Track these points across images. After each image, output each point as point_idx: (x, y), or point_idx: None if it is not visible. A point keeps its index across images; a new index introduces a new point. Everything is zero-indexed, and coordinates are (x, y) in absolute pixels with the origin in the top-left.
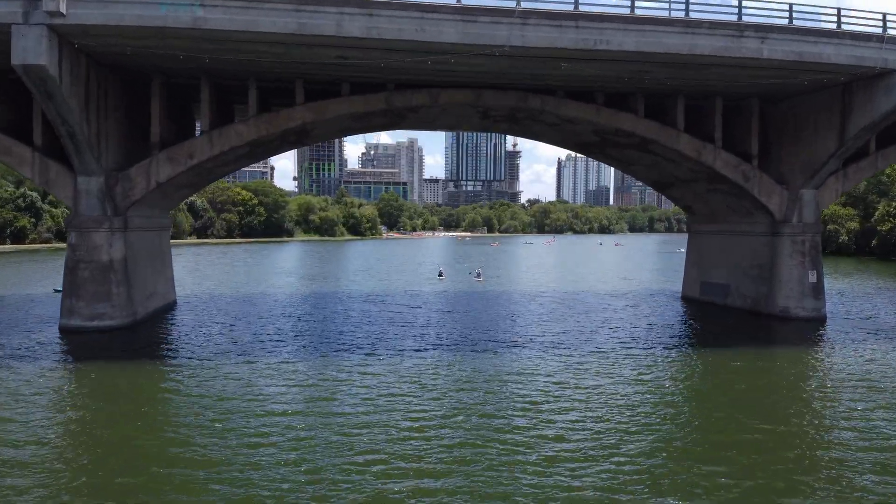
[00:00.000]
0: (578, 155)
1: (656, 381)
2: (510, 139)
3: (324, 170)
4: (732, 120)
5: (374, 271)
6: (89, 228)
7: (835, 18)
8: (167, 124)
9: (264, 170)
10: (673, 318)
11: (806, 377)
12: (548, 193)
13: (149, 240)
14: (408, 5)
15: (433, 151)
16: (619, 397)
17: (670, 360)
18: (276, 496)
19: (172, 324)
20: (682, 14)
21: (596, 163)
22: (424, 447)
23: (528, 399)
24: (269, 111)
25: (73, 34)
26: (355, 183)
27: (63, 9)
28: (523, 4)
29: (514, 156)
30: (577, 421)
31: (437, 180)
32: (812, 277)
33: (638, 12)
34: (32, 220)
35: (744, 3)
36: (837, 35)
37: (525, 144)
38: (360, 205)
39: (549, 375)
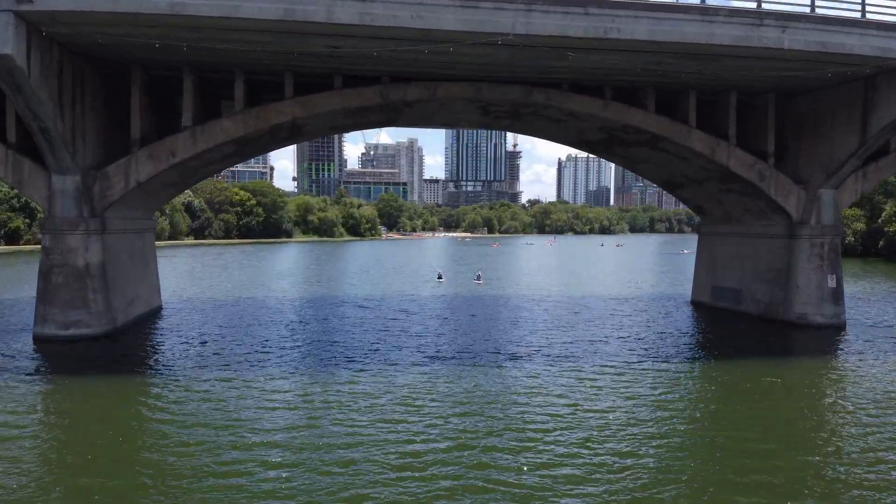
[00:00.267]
0: (579, 155)
1: (677, 404)
2: (510, 139)
3: (323, 170)
4: (747, 116)
5: (372, 273)
6: (64, 231)
7: (859, 6)
8: (150, 120)
9: (264, 170)
10: (685, 325)
11: (835, 394)
12: (548, 194)
13: (130, 242)
14: None
15: (433, 152)
16: (639, 424)
17: (688, 376)
18: None
19: (154, 332)
20: (698, 0)
21: (596, 163)
22: (419, 491)
23: (538, 427)
24: (258, 106)
25: (41, 21)
26: (355, 183)
27: None
28: None
29: (514, 156)
30: (596, 457)
31: (437, 180)
32: (831, 282)
33: None
34: (27, 220)
35: None
36: (862, 24)
37: (525, 145)
38: (360, 205)
39: (560, 396)
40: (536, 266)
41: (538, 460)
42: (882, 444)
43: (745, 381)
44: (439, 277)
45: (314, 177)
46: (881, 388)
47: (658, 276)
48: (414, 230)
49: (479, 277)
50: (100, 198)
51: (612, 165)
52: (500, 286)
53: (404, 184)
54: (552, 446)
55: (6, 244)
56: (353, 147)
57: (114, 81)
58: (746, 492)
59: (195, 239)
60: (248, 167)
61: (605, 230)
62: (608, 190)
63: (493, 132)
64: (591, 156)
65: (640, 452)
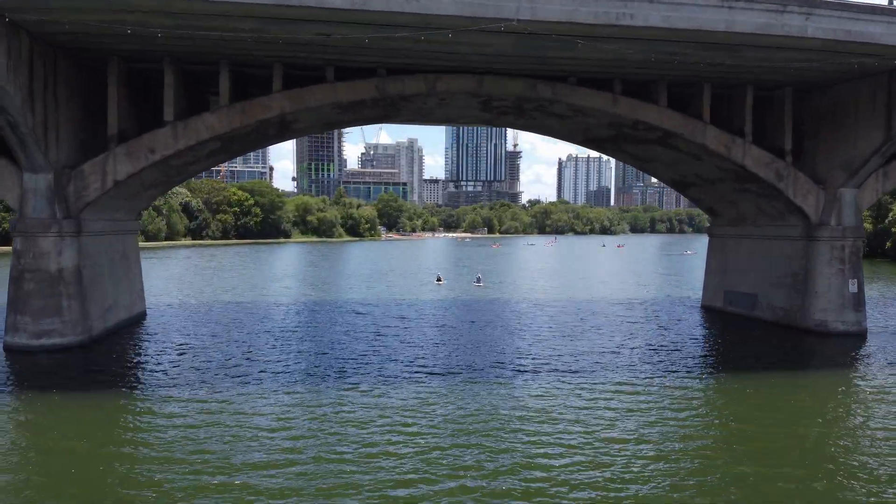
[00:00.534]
0: (579, 155)
1: (701, 430)
2: (510, 139)
3: (323, 170)
4: (762, 112)
5: (369, 276)
6: (35, 233)
7: None
8: (130, 115)
9: (263, 170)
10: (698, 333)
11: (865, 412)
12: (548, 194)
13: (110, 245)
14: None
15: (433, 152)
16: (663, 458)
17: (708, 393)
18: None
19: (133, 341)
20: None
21: (597, 163)
22: None
23: (550, 462)
24: (244, 100)
25: (6, 7)
26: (354, 183)
27: None
28: None
29: (514, 156)
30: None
31: (437, 181)
32: (852, 287)
33: None
34: None
35: None
36: (889, 12)
37: (525, 145)
38: (359, 205)
39: (573, 422)
40: (538, 267)
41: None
42: None
43: (769, 398)
44: (438, 280)
45: (314, 177)
46: None
47: (664, 278)
48: (414, 230)
49: (478, 280)
50: (75, 198)
51: (613, 165)
52: (501, 289)
53: (404, 184)
54: (566, 490)
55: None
56: (353, 147)
57: (93, 75)
58: None
59: (193, 239)
60: (248, 167)
61: (605, 230)
62: (608, 190)
63: (494, 132)
64: (591, 156)
65: (667, 492)
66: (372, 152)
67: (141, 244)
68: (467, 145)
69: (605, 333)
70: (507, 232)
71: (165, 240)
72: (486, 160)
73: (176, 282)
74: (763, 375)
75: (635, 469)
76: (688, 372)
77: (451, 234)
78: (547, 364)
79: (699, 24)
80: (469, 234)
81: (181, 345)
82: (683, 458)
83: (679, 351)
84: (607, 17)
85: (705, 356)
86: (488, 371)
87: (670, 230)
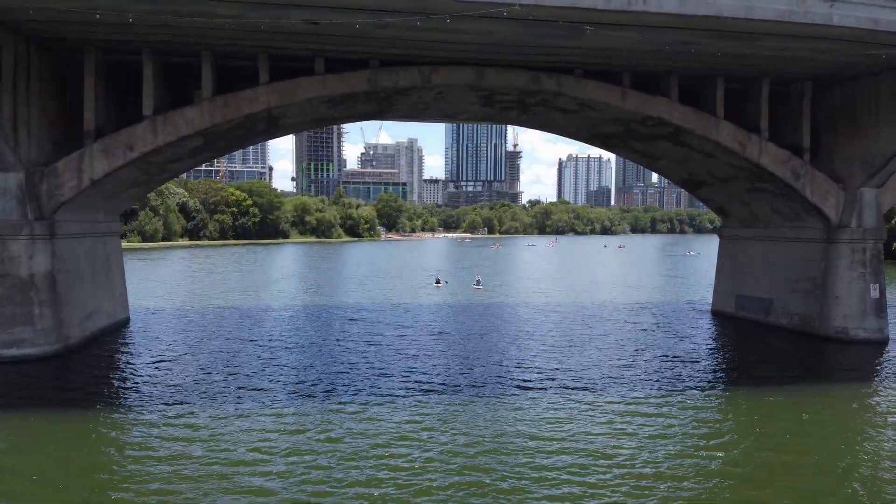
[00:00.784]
0: (580, 155)
1: (725, 454)
2: (510, 139)
3: (322, 170)
4: (778, 108)
5: (366, 278)
6: (5, 236)
7: None
8: (108, 110)
9: (262, 170)
10: (711, 341)
11: None
12: (548, 194)
13: (89, 248)
14: None
15: (433, 152)
16: (690, 499)
17: (728, 410)
18: None
19: (113, 352)
20: None
21: (597, 163)
22: None
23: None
24: (227, 93)
25: None
26: (354, 183)
27: None
28: None
29: (514, 156)
30: None
31: (436, 181)
32: (874, 292)
33: None
34: None
35: None
36: None
37: (525, 145)
38: (358, 206)
39: (587, 453)
40: (539, 269)
41: None
42: None
43: (793, 413)
44: (437, 282)
45: (313, 177)
46: None
47: (669, 280)
48: (413, 231)
49: (478, 283)
50: (48, 198)
51: (613, 165)
52: (502, 292)
53: (404, 184)
54: None
55: None
56: (353, 147)
57: (70, 69)
58: None
59: (190, 240)
60: (247, 167)
61: (606, 230)
62: (609, 190)
63: (494, 132)
64: (591, 156)
65: None
66: (372, 152)
67: (137, 245)
68: (467, 145)
69: (613, 342)
70: (507, 232)
71: (162, 240)
72: (487, 160)
73: (165, 285)
74: (785, 389)
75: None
76: (705, 386)
77: (450, 235)
78: (554, 379)
79: (717, 11)
80: (469, 235)
81: (161, 356)
82: (708, 486)
83: (695, 362)
84: (619, 3)
85: (722, 367)
86: (490, 388)
87: (671, 230)
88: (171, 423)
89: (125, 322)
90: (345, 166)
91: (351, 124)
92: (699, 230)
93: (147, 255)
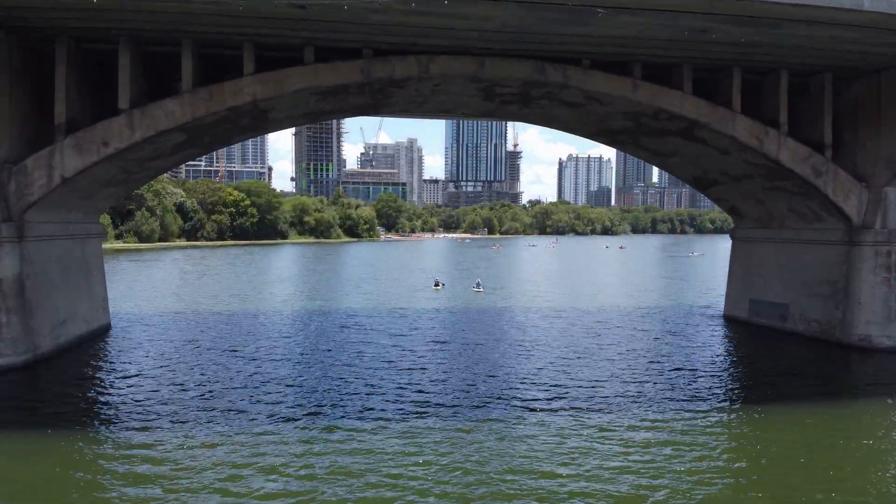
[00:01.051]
0: (580, 155)
1: (757, 482)
2: (510, 138)
3: (322, 170)
4: (796, 102)
5: (363, 280)
6: None
7: None
8: (83, 104)
9: (262, 170)
10: (727, 351)
11: None
12: (549, 194)
13: (64, 251)
14: None
15: (433, 152)
16: None
17: (753, 431)
18: None
19: (88, 362)
20: None
21: (597, 163)
22: None
23: None
24: (210, 85)
25: None
26: (354, 183)
27: None
28: None
29: (514, 156)
30: None
31: (436, 181)
32: None
33: None
34: None
35: None
36: None
37: (525, 145)
38: (358, 206)
39: (605, 488)
40: (541, 270)
41: None
42: None
43: (820, 434)
44: (436, 285)
45: (312, 177)
46: None
47: (676, 283)
48: (413, 231)
49: (478, 285)
50: (16, 197)
51: (613, 165)
52: (503, 296)
53: (403, 184)
54: None
55: None
56: (353, 147)
57: (46, 59)
58: None
59: (187, 240)
60: (247, 167)
61: (606, 231)
62: (609, 190)
63: (494, 132)
64: (591, 156)
65: None
66: (371, 152)
67: (133, 245)
68: (467, 145)
69: (624, 353)
70: (507, 232)
71: (159, 241)
72: (487, 160)
73: (154, 288)
74: (809, 404)
75: None
76: (726, 405)
77: (450, 235)
78: (563, 398)
79: None
80: (469, 235)
81: (138, 368)
82: None
83: (712, 376)
84: None
85: (742, 381)
86: (493, 409)
87: (672, 231)
88: (139, 444)
89: (105, 329)
90: (344, 166)
91: (351, 125)
92: (700, 230)
93: (141, 257)
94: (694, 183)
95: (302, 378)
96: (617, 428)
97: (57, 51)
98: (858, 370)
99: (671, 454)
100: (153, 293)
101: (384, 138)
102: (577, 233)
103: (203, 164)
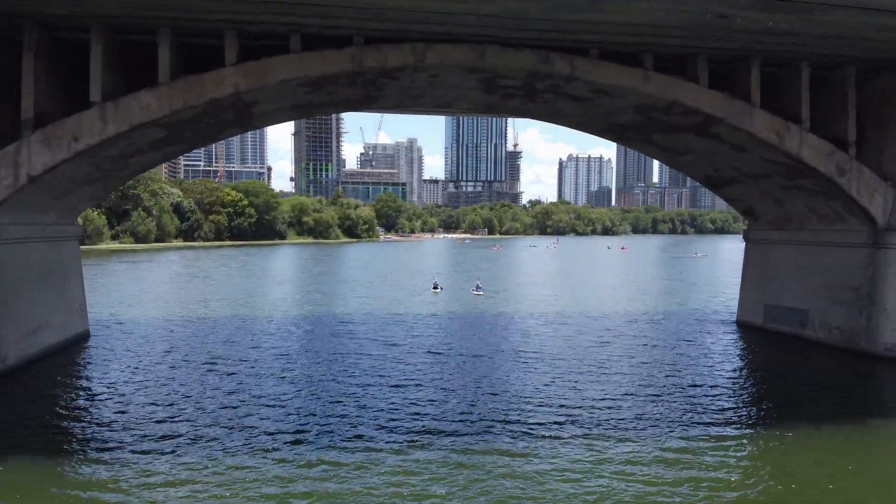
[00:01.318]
0: (580, 155)
1: None
2: (510, 138)
3: (321, 170)
4: (817, 96)
5: (360, 283)
6: None
7: None
8: (54, 97)
9: (261, 170)
10: (747, 362)
11: None
12: (549, 194)
13: (37, 255)
14: None
15: (433, 152)
16: None
17: (782, 455)
18: None
19: (58, 375)
20: None
21: (597, 163)
22: None
23: None
24: (190, 76)
25: None
26: (353, 183)
27: None
28: None
29: (514, 156)
30: None
31: (436, 181)
32: None
33: None
34: None
35: None
36: None
37: (525, 145)
38: (357, 206)
39: None
40: (542, 272)
41: None
42: None
43: (852, 458)
44: (435, 287)
45: (312, 177)
46: None
47: (682, 285)
48: (413, 231)
49: (478, 288)
50: None
51: (614, 165)
52: (505, 300)
53: (403, 184)
54: None
55: None
56: (352, 147)
57: (12, 48)
58: None
59: (184, 241)
60: (246, 167)
61: (607, 231)
62: (609, 190)
63: (494, 131)
64: (591, 155)
65: None
66: (371, 152)
67: (129, 246)
68: (467, 145)
69: (637, 366)
70: (507, 233)
71: (156, 241)
72: (487, 160)
73: (142, 291)
74: (838, 423)
75: None
76: (751, 427)
77: (450, 235)
78: (575, 421)
79: None
80: (469, 235)
81: (111, 382)
82: None
83: (736, 393)
84: None
85: (765, 398)
86: (496, 435)
87: (672, 231)
88: (78, 494)
89: (83, 337)
90: (344, 166)
91: (350, 125)
92: (700, 231)
93: (135, 258)
94: (706, 182)
95: (285, 397)
96: (639, 460)
97: (25, 39)
98: (888, 383)
99: (692, 486)
100: (140, 297)
101: (384, 138)
102: (578, 233)
103: (202, 164)
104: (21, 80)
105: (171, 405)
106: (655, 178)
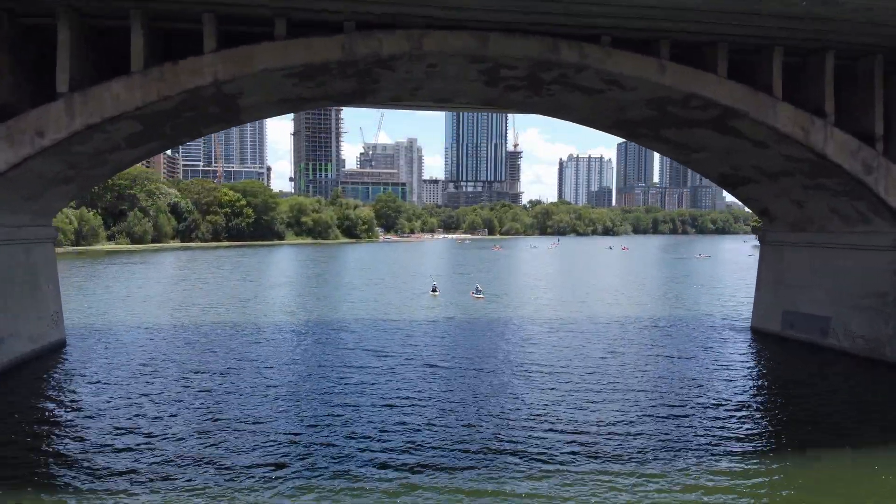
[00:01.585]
0: (580, 155)
1: None
2: (511, 138)
3: (321, 170)
4: (840, 88)
5: (358, 286)
6: None
7: None
8: (22, 88)
9: (261, 170)
10: (768, 375)
11: None
12: (549, 194)
13: (7, 258)
14: None
15: (433, 152)
16: None
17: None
18: None
19: (25, 390)
20: None
21: (598, 163)
22: None
23: None
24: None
25: None
26: (353, 184)
27: None
28: None
29: (514, 156)
30: None
31: (436, 181)
32: None
33: None
34: None
35: None
36: None
37: (525, 145)
38: (356, 206)
39: None
40: (544, 273)
41: None
42: None
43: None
44: (433, 290)
45: (311, 177)
46: None
47: (690, 288)
48: (412, 232)
49: (477, 290)
50: None
51: (615, 165)
52: (505, 304)
53: (403, 184)
54: None
55: None
56: (352, 147)
57: None
58: None
59: (182, 241)
60: (245, 167)
61: (607, 231)
62: (610, 190)
63: (494, 131)
64: (592, 155)
65: None
66: (371, 152)
67: (125, 247)
68: (467, 145)
69: (652, 380)
70: (507, 233)
71: (152, 242)
72: (487, 160)
73: (129, 295)
74: (872, 445)
75: None
76: (777, 450)
77: (450, 236)
78: (587, 449)
79: None
80: (469, 236)
81: (78, 399)
82: None
83: (762, 412)
84: None
85: (793, 418)
86: (499, 466)
87: (673, 231)
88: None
89: (58, 346)
90: (343, 166)
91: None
92: (701, 231)
93: (129, 259)
94: (721, 181)
95: (265, 420)
96: (652, 491)
97: None
98: None
99: None
100: (126, 302)
101: (384, 138)
102: (578, 233)
103: (201, 164)
104: None
105: (136, 430)
106: (656, 178)
